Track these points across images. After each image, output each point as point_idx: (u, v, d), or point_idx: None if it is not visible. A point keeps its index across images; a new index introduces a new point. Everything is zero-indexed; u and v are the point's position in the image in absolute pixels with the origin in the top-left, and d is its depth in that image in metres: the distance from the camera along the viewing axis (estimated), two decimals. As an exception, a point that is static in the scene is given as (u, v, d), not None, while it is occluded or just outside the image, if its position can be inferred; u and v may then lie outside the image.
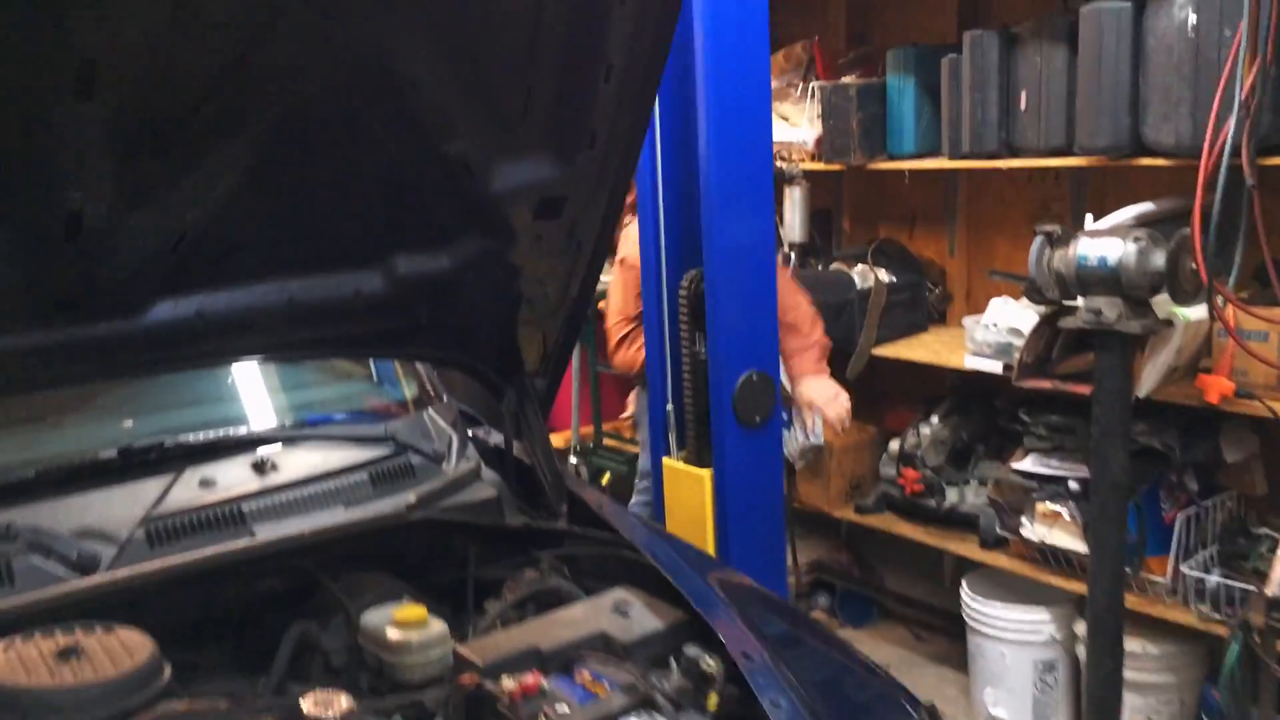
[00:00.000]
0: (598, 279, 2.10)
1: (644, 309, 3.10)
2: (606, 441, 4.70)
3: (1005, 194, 3.68)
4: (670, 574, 1.80)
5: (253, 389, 2.25)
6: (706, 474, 2.93)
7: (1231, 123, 2.37)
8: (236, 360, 1.89)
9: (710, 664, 1.51)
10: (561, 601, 1.83)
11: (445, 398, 2.48)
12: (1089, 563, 2.87)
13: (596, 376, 4.71)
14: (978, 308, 3.78)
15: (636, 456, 4.11)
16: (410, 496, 2.04)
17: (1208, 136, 2.45)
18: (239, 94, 1.44)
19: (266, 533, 1.91)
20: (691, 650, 1.56)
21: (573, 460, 4.69)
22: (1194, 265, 2.55)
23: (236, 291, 1.70)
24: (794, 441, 3.72)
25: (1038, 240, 2.77)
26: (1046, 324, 3.01)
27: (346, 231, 1.77)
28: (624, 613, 1.67)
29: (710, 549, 2.97)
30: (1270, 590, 2.55)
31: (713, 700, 1.49)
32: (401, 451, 2.19)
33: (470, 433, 2.47)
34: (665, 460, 3.06)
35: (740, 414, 2.87)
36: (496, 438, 2.47)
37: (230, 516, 1.91)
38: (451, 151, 1.70)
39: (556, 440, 4.89)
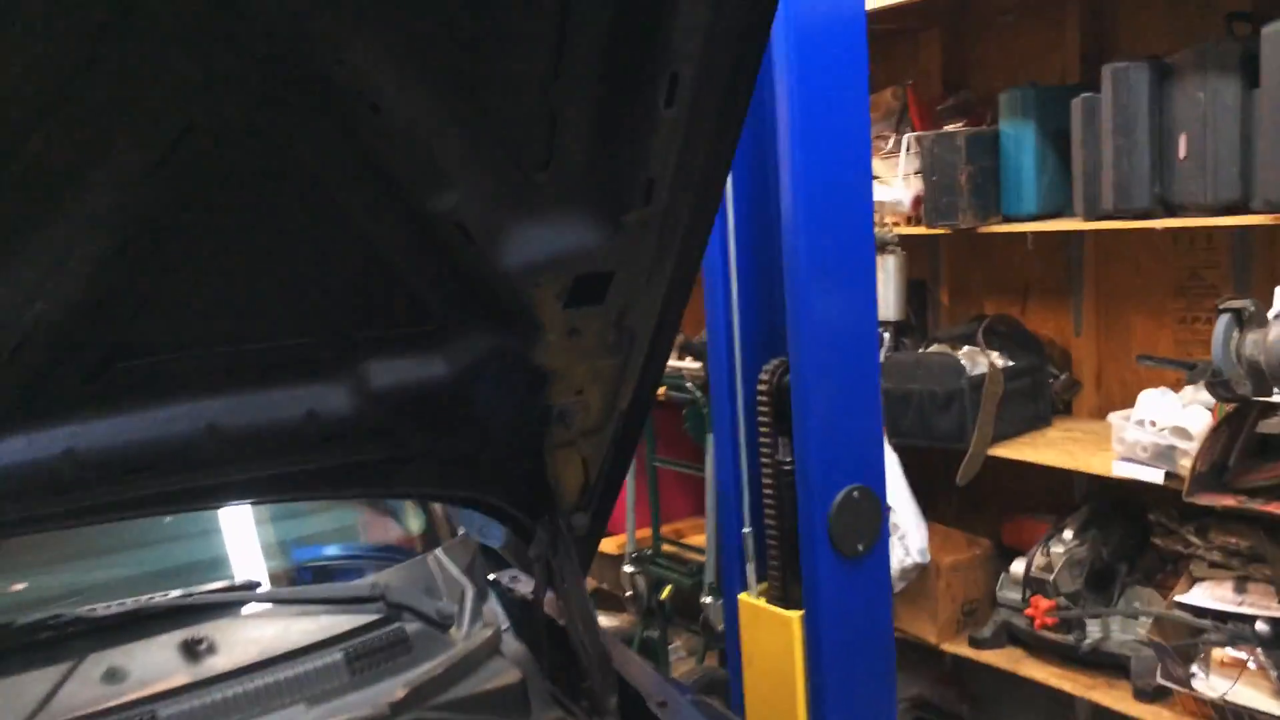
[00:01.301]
0: (658, 383, 1.52)
1: (714, 404, 2.52)
2: (666, 548, 4.09)
3: (1142, 261, 3.06)
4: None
5: (196, 526, 1.70)
6: (795, 616, 2.32)
7: None
8: (132, 515, 1.35)
9: None
10: None
11: (461, 531, 1.92)
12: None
13: (655, 472, 4.12)
14: (1112, 397, 3.16)
15: (702, 567, 3.52)
16: (398, 689, 1.47)
17: None
18: (90, 115, 0.90)
19: (189, 752, 1.34)
20: None
21: (628, 569, 4.08)
22: None
23: (126, 419, 1.16)
24: (894, 559, 3.09)
25: (1224, 320, 2.16)
26: (1228, 424, 2.38)
27: (290, 328, 1.22)
28: None
29: (799, 706, 2.35)
30: None
31: None
32: (394, 616, 1.62)
33: (493, 578, 1.90)
34: (742, 597, 2.46)
35: (838, 541, 2.26)
36: (528, 586, 1.89)
37: (139, 727, 1.36)
38: (440, 209, 1.15)
39: (609, 545, 4.32)
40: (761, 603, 2.40)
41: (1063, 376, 3.22)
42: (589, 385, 1.45)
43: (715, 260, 2.39)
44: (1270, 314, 2.17)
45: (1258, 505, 2.35)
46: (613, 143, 1.16)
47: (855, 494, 2.28)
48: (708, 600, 3.34)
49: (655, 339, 1.42)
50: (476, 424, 1.44)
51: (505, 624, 1.73)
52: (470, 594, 1.71)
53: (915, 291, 3.60)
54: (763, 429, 2.37)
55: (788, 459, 2.33)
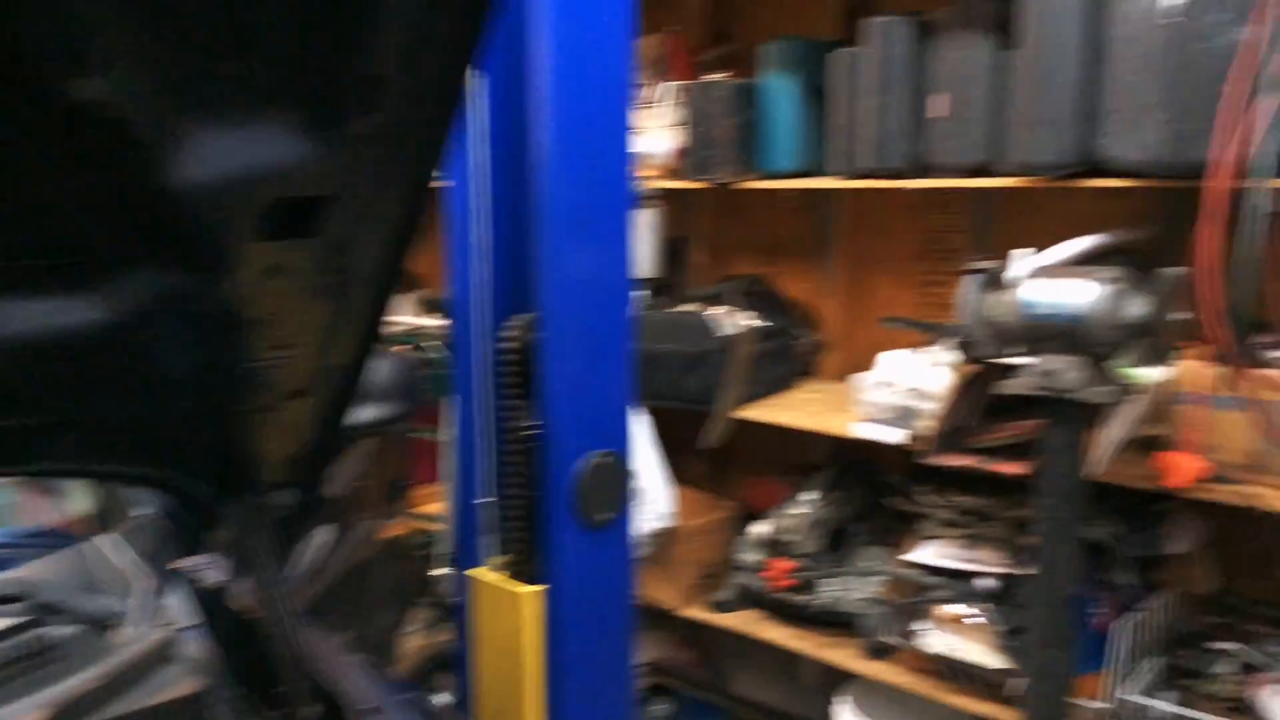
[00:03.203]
0: (377, 335, 1.28)
1: (456, 364, 2.28)
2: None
3: (890, 224, 3.07)
4: None
5: None
6: (533, 591, 2.13)
7: (1258, 131, 1.79)
8: None
9: None
10: None
11: (138, 511, 1.59)
12: (1029, 696, 2.25)
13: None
14: (854, 360, 3.17)
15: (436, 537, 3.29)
16: (35, 711, 1.16)
17: (1220, 151, 1.87)
18: None
19: None
20: None
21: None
22: (1183, 317, 1.98)
23: None
24: (639, 524, 2.98)
25: (970, 280, 2.14)
26: (968, 386, 2.39)
27: None
28: None
29: (532, 684, 2.18)
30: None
31: None
32: (39, 618, 1.30)
33: (178, 566, 1.59)
34: (475, 574, 2.25)
35: (584, 510, 2.09)
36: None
37: None
38: (87, 97, 0.85)
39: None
40: (497, 578, 2.19)
41: (810, 338, 3.20)
42: (296, 337, 1.19)
43: (461, 203, 2.15)
44: (1007, 277, 2.17)
45: (997, 467, 2.38)
46: (327, 23, 0.90)
47: (602, 460, 2.11)
48: (439, 573, 3.13)
49: (379, 281, 1.18)
50: (147, 383, 1.14)
51: (190, 621, 1.44)
52: (143, 588, 1.41)
53: (673, 249, 3.50)
54: (506, 391, 2.15)
55: (532, 423, 2.13)
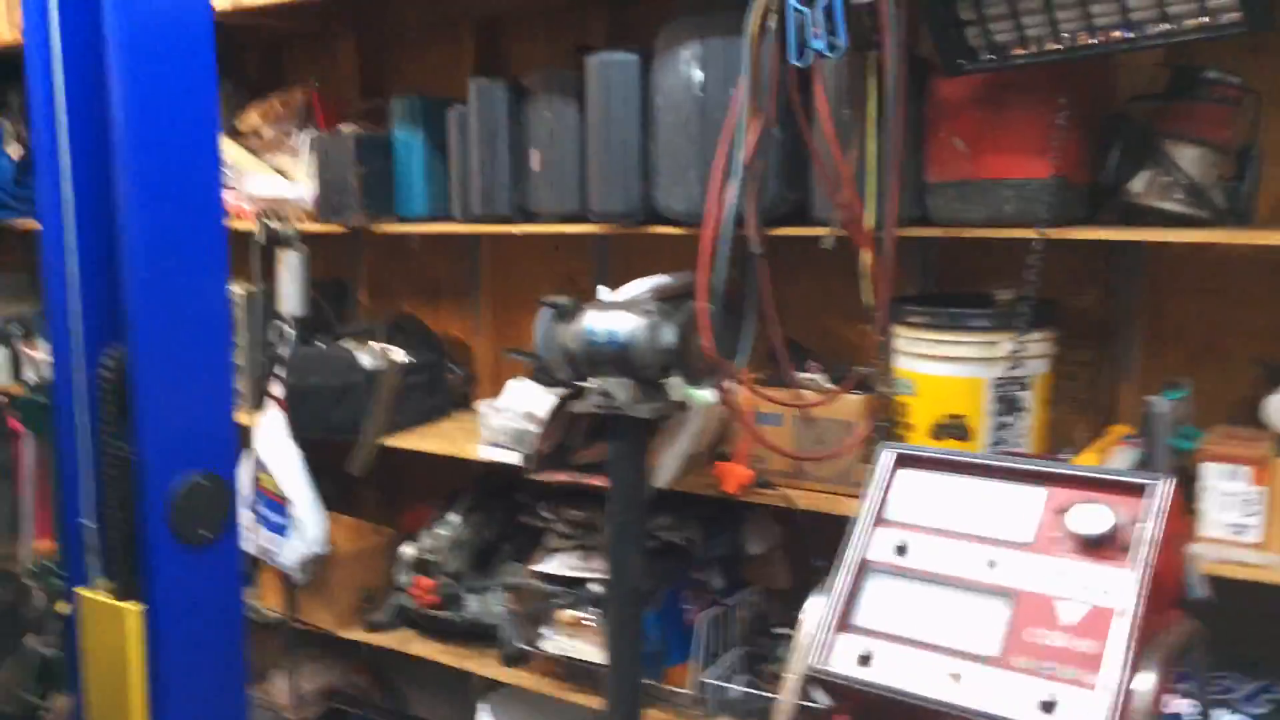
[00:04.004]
0: None
1: (57, 393, 2.38)
2: (71, 556, 3.76)
3: (529, 264, 3.36)
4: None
5: None
6: (134, 609, 2.24)
7: (735, 188, 2.15)
8: None
9: None
10: None
11: None
12: (608, 685, 2.52)
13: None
14: (501, 391, 3.43)
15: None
16: None
17: (709, 203, 2.22)
18: None
19: None
20: None
21: (29, 585, 3.71)
22: (703, 343, 2.31)
23: None
24: (293, 551, 3.12)
25: (544, 313, 2.43)
26: (563, 408, 2.67)
27: None
28: None
29: (139, 702, 2.28)
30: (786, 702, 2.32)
31: None
32: None
33: None
34: (80, 592, 2.34)
35: (180, 529, 2.22)
36: None
37: None
38: None
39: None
40: (100, 597, 2.29)
41: (460, 372, 3.43)
42: None
43: (52, 237, 2.26)
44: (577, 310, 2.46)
45: (587, 480, 2.66)
46: None
47: (200, 481, 2.26)
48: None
49: None
50: None
51: None
52: None
53: (337, 289, 3.67)
54: (104, 419, 2.27)
55: (131, 449, 2.25)
